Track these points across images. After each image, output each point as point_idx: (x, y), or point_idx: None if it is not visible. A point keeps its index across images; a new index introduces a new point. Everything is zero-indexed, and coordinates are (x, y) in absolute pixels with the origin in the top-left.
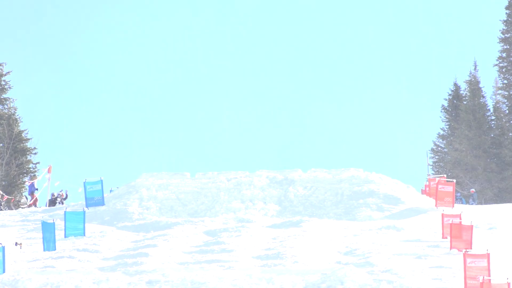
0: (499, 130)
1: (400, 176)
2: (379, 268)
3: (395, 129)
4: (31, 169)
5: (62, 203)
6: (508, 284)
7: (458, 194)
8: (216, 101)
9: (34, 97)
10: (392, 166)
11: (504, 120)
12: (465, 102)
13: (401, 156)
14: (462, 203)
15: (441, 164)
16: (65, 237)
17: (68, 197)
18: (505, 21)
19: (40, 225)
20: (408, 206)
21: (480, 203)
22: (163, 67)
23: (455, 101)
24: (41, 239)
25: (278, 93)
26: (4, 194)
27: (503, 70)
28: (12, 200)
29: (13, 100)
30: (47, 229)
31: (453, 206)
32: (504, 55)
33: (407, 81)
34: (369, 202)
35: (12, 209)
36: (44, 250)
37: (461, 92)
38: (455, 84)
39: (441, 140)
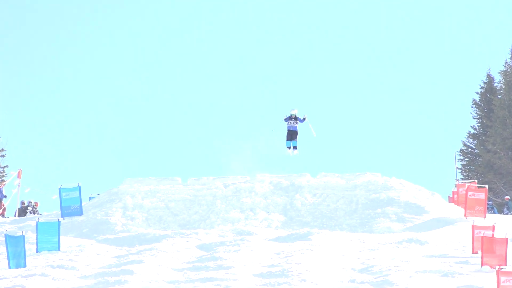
0: None
1: (424, 182)
2: None
3: (418, 128)
4: None
5: (34, 213)
6: None
7: (491, 202)
8: (210, 98)
9: (2, 93)
10: (414, 170)
11: None
12: (499, 96)
13: (425, 159)
14: (495, 212)
15: (471, 167)
16: (37, 252)
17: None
18: None
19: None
20: (433, 216)
21: None
22: (149, 62)
23: (488, 95)
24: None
25: (281, 86)
26: None
27: None
28: None
29: None
30: (14, 243)
31: (485, 216)
32: None
33: (432, 73)
34: (388, 212)
35: None
36: (10, 268)
37: (495, 84)
38: (488, 76)
39: (471, 140)
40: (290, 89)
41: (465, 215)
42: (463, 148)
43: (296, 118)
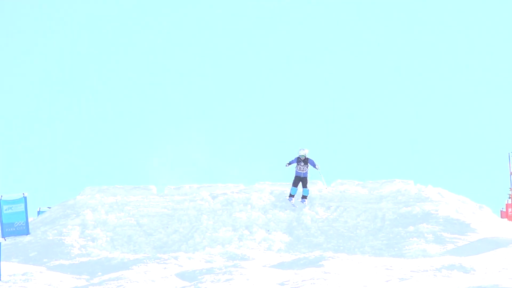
0: None
1: (469, 192)
2: None
3: (460, 124)
4: None
5: None
6: None
7: None
8: (198, 92)
9: None
10: (456, 177)
11: None
12: None
13: (471, 163)
14: None
15: None
16: None
17: None
18: None
19: None
20: (480, 235)
21: None
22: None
23: None
24: None
25: (288, 81)
26: None
27: None
28: None
29: None
30: None
31: None
32: None
33: (477, 58)
34: (423, 230)
35: None
36: None
37: None
38: None
39: None
40: (297, 76)
41: None
42: None
43: (307, 161)
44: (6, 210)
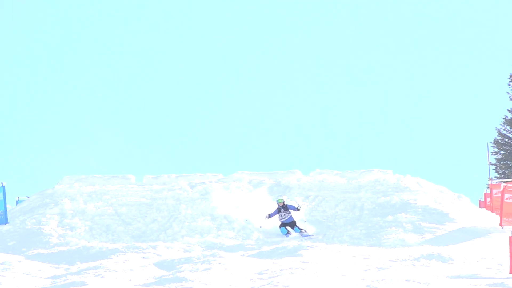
0: None
1: (448, 182)
2: None
3: (439, 114)
4: None
5: None
6: None
7: None
8: (176, 84)
9: None
10: (435, 167)
11: None
12: None
13: (449, 153)
14: None
15: (508, 162)
16: None
17: None
18: None
19: None
20: (459, 225)
21: None
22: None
23: None
24: None
25: (270, 74)
26: None
27: None
28: None
29: None
30: None
31: None
32: None
33: (458, 47)
34: (402, 220)
35: None
36: None
37: None
38: None
39: (509, 128)
40: (280, 69)
41: (500, 224)
42: (498, 138)
43: (286, 208)
44: None
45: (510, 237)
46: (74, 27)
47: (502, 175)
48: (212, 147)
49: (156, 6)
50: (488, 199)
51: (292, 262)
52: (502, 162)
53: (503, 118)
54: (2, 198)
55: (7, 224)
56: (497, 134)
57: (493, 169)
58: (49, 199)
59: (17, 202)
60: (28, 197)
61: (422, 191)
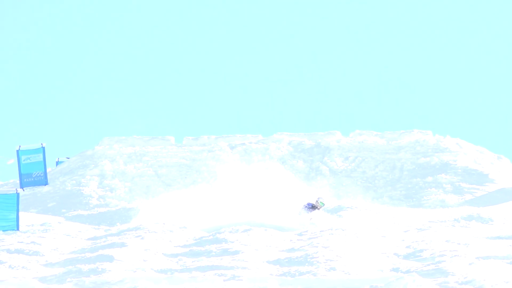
0: None
1: (488, 142)
2: (456, 278)
3: (479, 74)
4: None
5: None
6: None
7: None
8: (214, 46)
9: None
10: (475, 127)
11: None
12: None
13: (489, 113)
14: None
15: None
16: None
17: None
18: None
19: None
20: (499, 186)
21: None
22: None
23: None
24: None
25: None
26: None
27: None
28: None
29: None
30: None
31: None
32: None
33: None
34: (442, 181)
35: None
36: None
37: None
38: None
39: None
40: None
41: None
42: None
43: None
44: (24, 160)
45: None
46: None
47: None
48: (252, 108)
49: None
50: None
51: (332, 223)
52: None
53: None
54: (42, 159)
55: (47, 185)
56: None
57: None
58: (89, 160)
59: (57, 163)
60: (68, 158)
61: (462, 152)
